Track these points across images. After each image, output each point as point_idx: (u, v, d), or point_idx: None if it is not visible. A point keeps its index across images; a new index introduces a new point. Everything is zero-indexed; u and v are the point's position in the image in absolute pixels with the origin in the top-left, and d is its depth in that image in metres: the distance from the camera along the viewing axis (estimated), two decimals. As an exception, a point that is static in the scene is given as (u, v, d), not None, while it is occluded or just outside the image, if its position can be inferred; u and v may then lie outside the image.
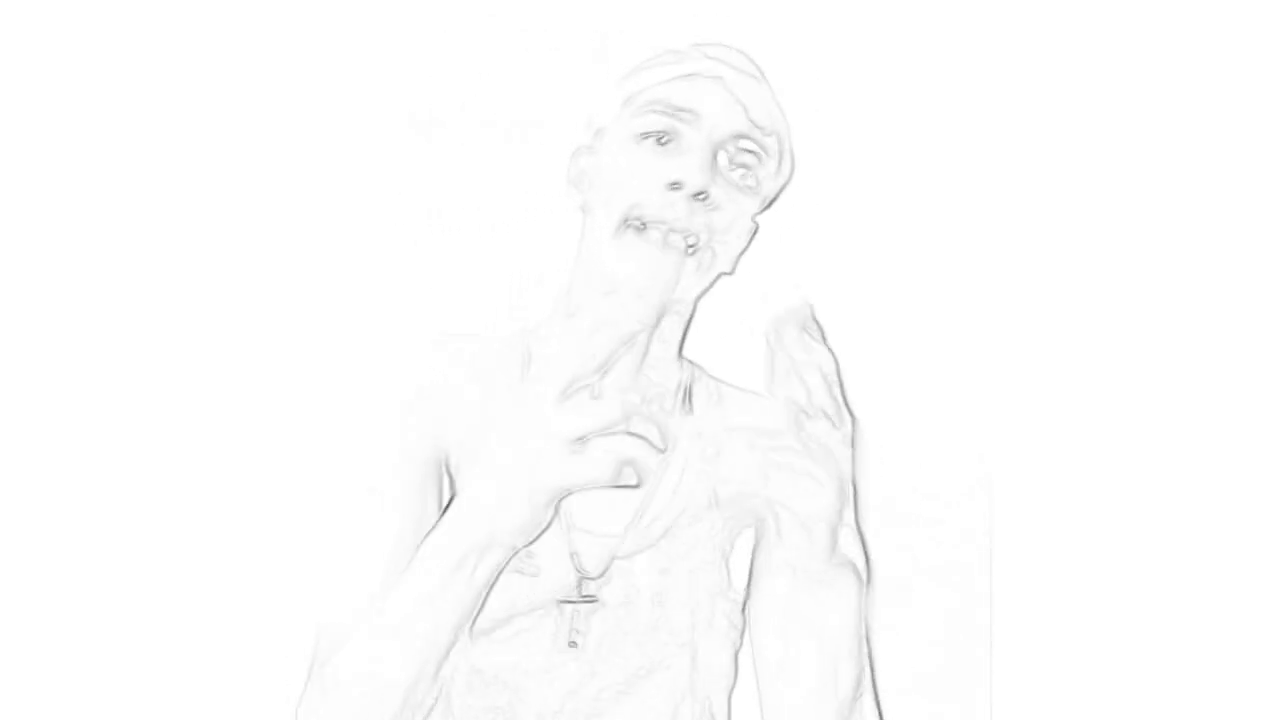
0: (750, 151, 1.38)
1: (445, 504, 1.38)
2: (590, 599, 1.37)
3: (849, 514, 1.40)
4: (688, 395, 1.43)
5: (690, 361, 1.45)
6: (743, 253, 1.42)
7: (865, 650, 1.41)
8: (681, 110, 1.37)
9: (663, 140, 1.37)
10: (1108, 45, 1.51)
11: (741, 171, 1.38)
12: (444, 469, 1.39)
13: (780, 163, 1.41)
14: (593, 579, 1.38)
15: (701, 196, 1.35)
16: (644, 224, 1.35)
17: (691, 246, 1.37)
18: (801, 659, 1.39)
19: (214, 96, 1.51)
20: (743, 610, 1.42)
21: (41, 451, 1.49)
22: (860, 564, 1.41)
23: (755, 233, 1.42)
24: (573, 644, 1.37)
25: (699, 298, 1.41)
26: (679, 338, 1.42)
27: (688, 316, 1.42)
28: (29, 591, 1.49)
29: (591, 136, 1.42)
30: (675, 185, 1.35)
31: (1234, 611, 1.48)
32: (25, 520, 1.49)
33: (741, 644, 1.42)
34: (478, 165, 1.49)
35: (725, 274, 1.41)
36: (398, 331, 1.48)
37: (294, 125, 1.51)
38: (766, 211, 1.43)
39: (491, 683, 1.37)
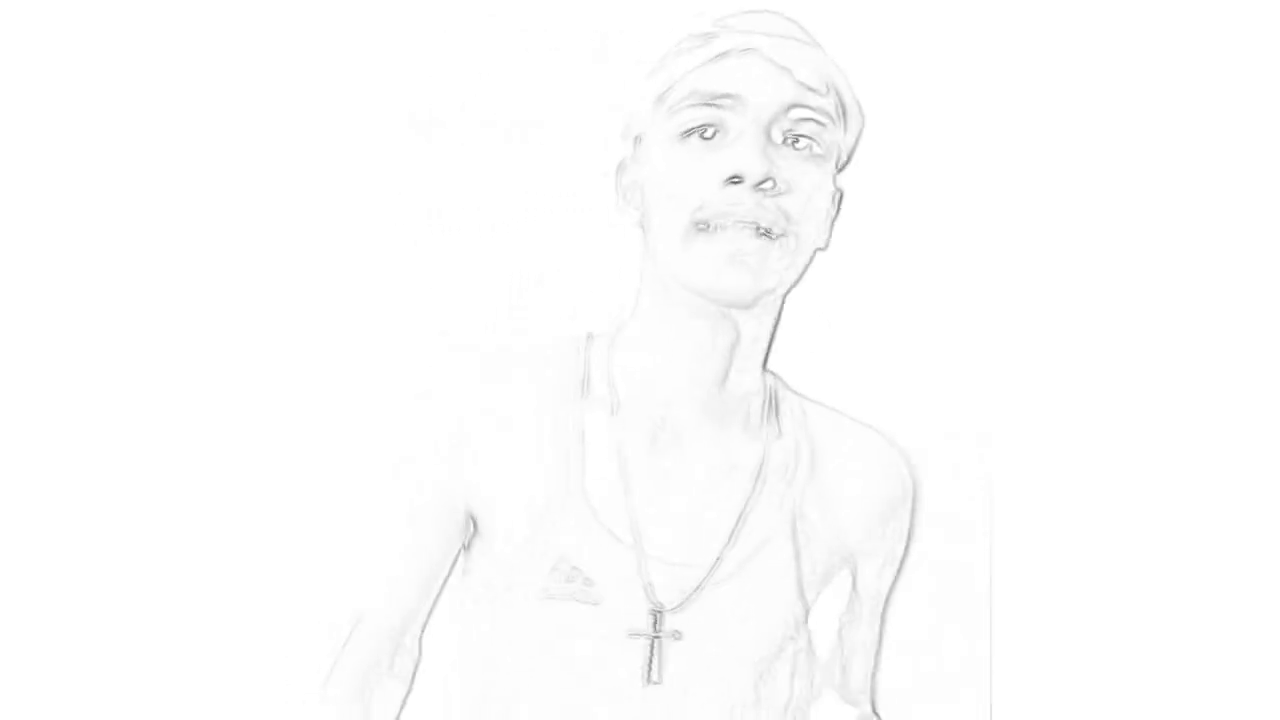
0: (809, 119, 1.26)
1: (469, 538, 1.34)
2: (676, 634, 1.28)
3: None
4: (774, 410, 1.34)
5: (773, 374, 1.36)
6: (834, 221, 1.31)
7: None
8: (720, 97, 1.24)
9: (707, 134, 1.25)
10: (1109, 42, 1.50)
11: (805, 142, 1.26)
12: (470, 504, 1.32)
13: (847, 120, 1.29)
14: (667, 611, 1.28)
15: (766, 184, 1.23)
16: (711, 226, 1.24)
17: (768, 234, 1.24)
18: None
19: (213, 96, 1.51)
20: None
21: (35, 460, 1.50)
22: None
23: (842, 198, 1.31)
24: (652, 681, 1.28)
25: (790, 289, 1.31)
26: (767, 340, 1.33)
27: (776, 315, 1.32)
28: (23, 602, 1.49)
29: (632, 145, 1.31)
30: (734, 179, 1.23)
31: (1234, 611, 1.48)
32: (18, 533, 1.49)
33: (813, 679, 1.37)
34: (478, 165, 1.48)
35: (821, 250, 1.31)
36: (439, 348, 1.41)
37: (294, 125, 1.51)
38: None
39: (559, 715, 1.30)
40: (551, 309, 1.43)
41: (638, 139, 1.30)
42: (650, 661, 1.27)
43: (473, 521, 1.33)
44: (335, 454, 1.45)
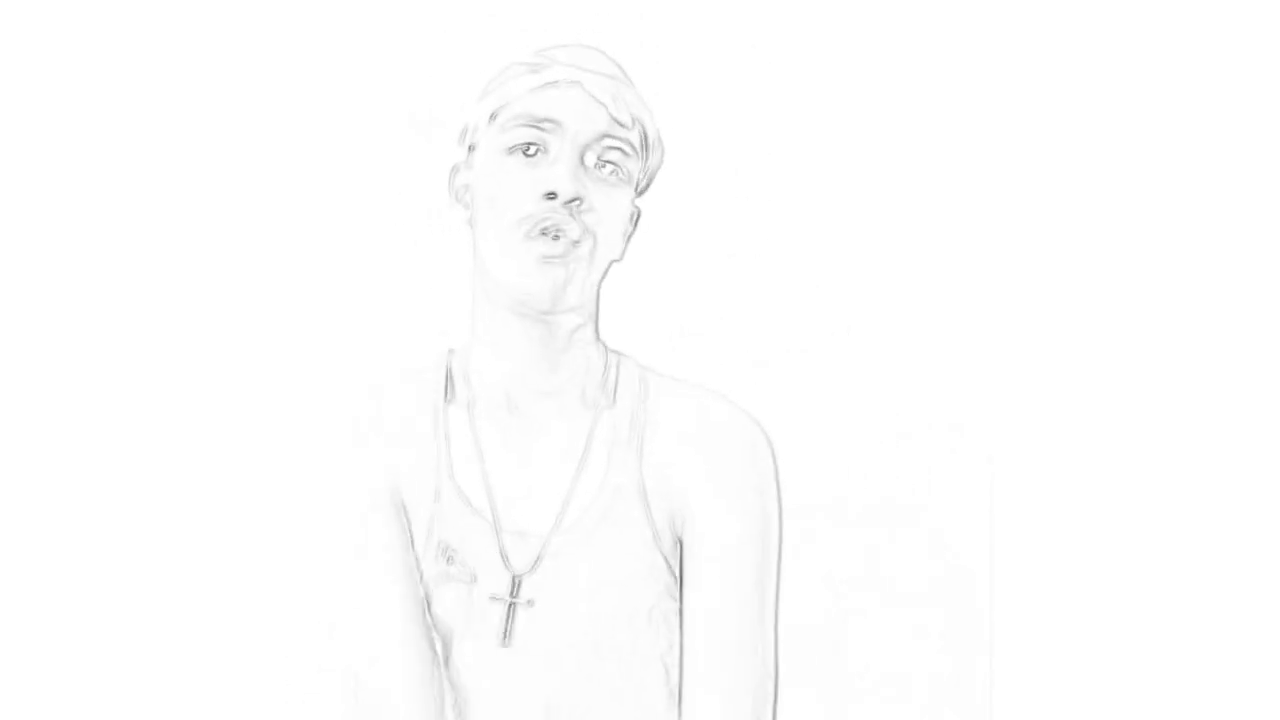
0: (616, 148, 1.42)
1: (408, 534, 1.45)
2: (517, 600, 1.42)
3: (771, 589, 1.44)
4: (614, 383, 1.47)
5: (614, 350, 1.48)
6: (630, 237, 1.47)
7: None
8: (544, 120, 1.41)
9: (530, 152, 1.41)
10: (1110, 40, 1.50)
11: (611, 168, 1.43)
12: (400, 499, 1.46)
13: (649, 153, 1.46)
14: (521, 575, 1.42)
15: (575, 202, 1.40)
16: (528, 233, 1.40)
17: (576, 243, 1.40)
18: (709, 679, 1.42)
19: (213, 97, 1.52)
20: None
21: (32, 462, 1.50)
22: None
23: (639, 217, 1.48)
24: (506, 644, 1.41)
25: (597, 287, 1.45)
26: (590, 326, 1.46)
27: (593, 307, 1.46)
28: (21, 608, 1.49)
29: (465, 152, 1.46)
30: (550, 195, 1.39)
31: (1234, 612, 1.48)
32: (17, 534, 1.50)
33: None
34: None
35: (615, 261, 1.46)
36: (326, 376, 1.53)
37: (294, 125, 1.51)
38: (642, 201, 1.48)
39: (444, 680, 1.43)
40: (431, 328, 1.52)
41: (471, 147, 1.46)
42: (506, 625, 1.42)
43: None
44: (310, 493, 1.48)
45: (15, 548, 1.50)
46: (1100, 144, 1.50)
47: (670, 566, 1.43)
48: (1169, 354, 1.49)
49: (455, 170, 1.48)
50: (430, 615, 1.43)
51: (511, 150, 1.42)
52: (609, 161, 1.43)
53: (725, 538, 1.43)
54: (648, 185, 1.48)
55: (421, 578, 1.44)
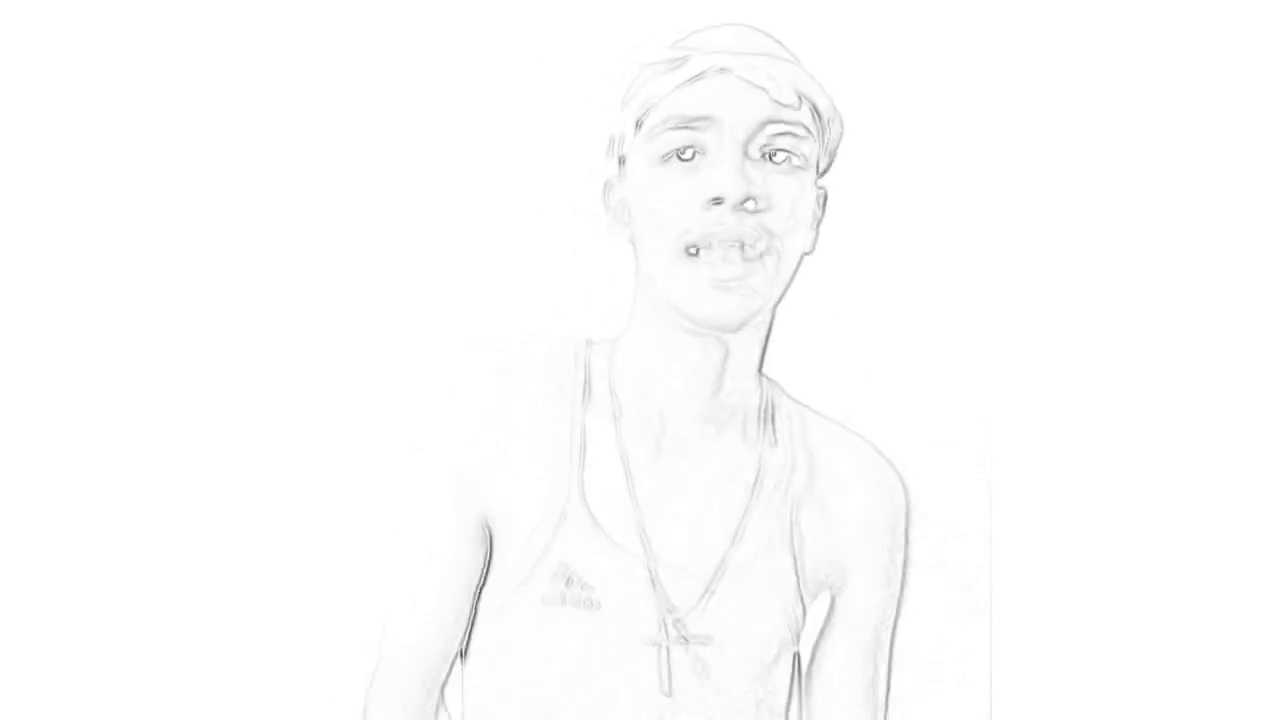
0: (785, 134, 1.27)
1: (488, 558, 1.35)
2: (703, 639, 1.30)
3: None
4: (770, 417, 1.36)
5: (770, 379, 1.38)
6: (820, 223, 1.33)
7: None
8: (697, 120, 1.27)
9: (686, 155, 1.27)
10: (1111, 40, 1.50)
11: (783, 155, 1.28)
12: (486, 524, 1.34)
13: (823, 127, 1.31)
14: (681, 618, 1.30)
15: (747, 204, 1.26)
16: (697, 249, 1.27)
17: (752, 253, 1.27)
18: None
19: (234, 99, 1.51)
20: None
21: (34, 463, 1.50)
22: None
23: (827, 199, 1.33)
24: (666, 691, 1.30)
25: (779, 299, 1.33)
26: (759, 350, 1.35)
27: (767, 325, 1.34)
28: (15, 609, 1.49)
29: (616, 165, 1.33)
30: (716, 201, 1.25)
31: (1234, 610, 1.48)
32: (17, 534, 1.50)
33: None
34: (486, 165, 1.47)
35: (808, 253, 1.33)
36: (448, 356, 1.42)
37: (306, 127, 1.51)
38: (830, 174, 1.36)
39: (522, 699, 1.32)
40: (545, 310, 1.44)
41: (621, 159, 1.32)
42: (664, 670, 1.29)
43: (489, 535, 1.34)
44: (349, 463, 1.45)
45: (51, 546, 1.50)
46: (1097, 137, 1.50)
47: (804, 616, 1.35)
48: (1169, 350, 1.49)
49: (609, 187, 1.34)
50: (500, 633, 1.32)
51: (665, 158, 1.27)
52: (779, 149, 1.27)
53: (873, 603, 1.37)
54: (830, 163, 1.33)
55: (502, 594, 1.31)
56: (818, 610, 1.39)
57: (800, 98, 1.28)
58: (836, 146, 1.34)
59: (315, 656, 1.45)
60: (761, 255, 1.28)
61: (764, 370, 1.37)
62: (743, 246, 1.27)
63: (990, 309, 1.49)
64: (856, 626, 1.37)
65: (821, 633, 1.37)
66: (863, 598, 1.37)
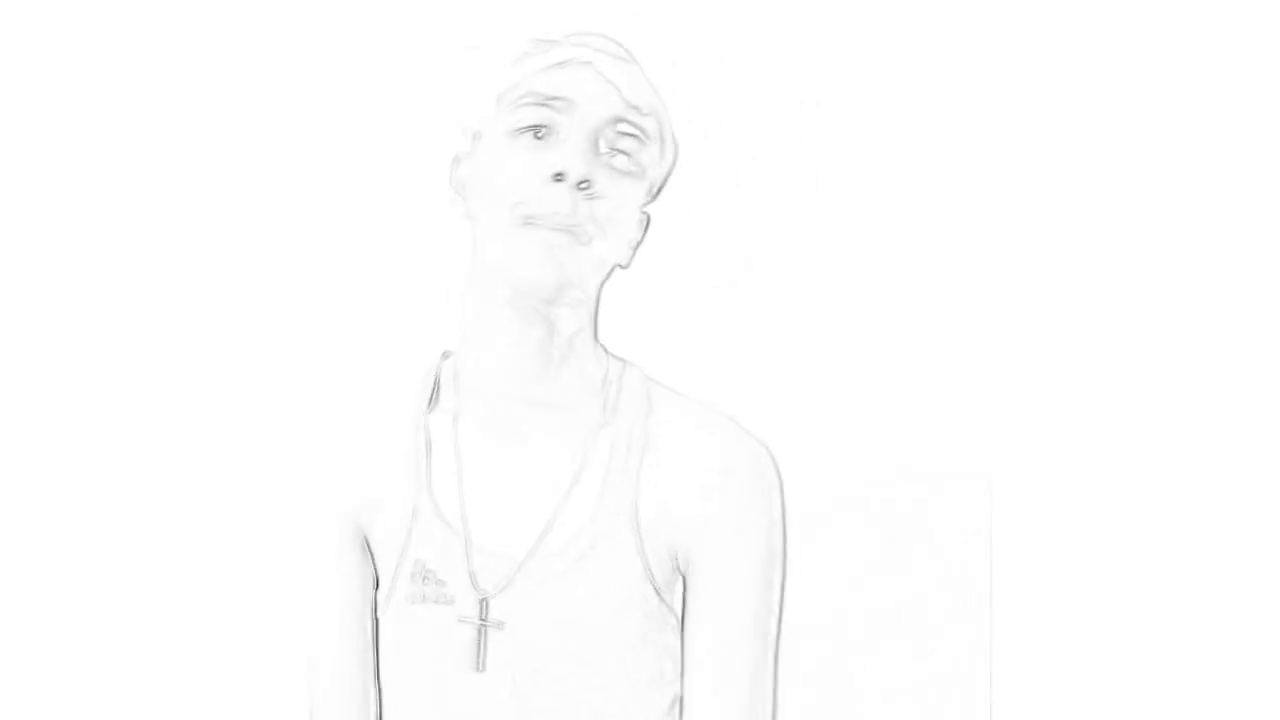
0: (630, 135, 1.35)
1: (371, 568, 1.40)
2: (487, 623, 1.34)
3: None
4: (615, 399, 1.38)
5: (619, 358, 1.41)
6: (639, 245, 1.39)
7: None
8: (555, 99, 1.33)
9: (539, 134, 1.34)
10: (1111, 42, 1.51)
11: (623, 158, 1.35)
12: (362, 530, 1.39)
13: (663, 146, 1.38)
14: (488, 597, 1.34)
15: (584, 185, 1.32)
16: (531, 219, 1.32)
17: (581, 236, 1.33)
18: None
19: (219, 99, 1.52)
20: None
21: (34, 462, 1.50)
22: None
23: (649, 224, 1.40)
24: (479, 669, 1.34)
25: (599, 289, 1.38)
26: (587, 334, 1.38)
27: (593, 309, 1.38)
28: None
29: (469, 141, 1.39)
30: (558, 177, 1.31)
31: (1234, 611, 1.48)
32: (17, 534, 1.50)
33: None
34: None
35: (622, 267, 1.39)
36: (312, 397, 1.49)
37: (292, 126, 1.51)
38: (656, 203, 1.41)
39: (410, 702, 1.37)
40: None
41: (476, 135, 1.38)
42: (478, 649, 1.34)
43: (368, 546, 1.40)
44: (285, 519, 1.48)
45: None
46: (1102, 149, 1.51)
47: (664, 599, 1.34)
48: (1169, 364, 1.50)
49: (457, 161, 1.40)
50: (388, 639, 1.37)
51: (519, 132, 1.34)
52: (620, 150, 1.35)
53: (730, 582, 1.34)
54: (660, 189, 1.40)
55: (384, 599, 1.36)
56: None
57: (650, 107, 1.36)
58: (668, 175, 1.40)
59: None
60: (585, 242, 1.33)
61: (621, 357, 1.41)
62: (569, 230, 1.32)
63: (990, 310, 1.49)
64: (717, 607, 1.35)
65: (683, 617, 1.36)
66: (718, 574, 1.35)
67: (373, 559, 1.38)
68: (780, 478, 1.37)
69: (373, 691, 1.39)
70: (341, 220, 1.52)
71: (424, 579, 1.35)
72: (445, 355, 1.41)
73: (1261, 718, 1.47)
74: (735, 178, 1.50)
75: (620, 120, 1.34)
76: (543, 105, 1.33)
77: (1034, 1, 1.50)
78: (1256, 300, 1.49)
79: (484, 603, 1.33)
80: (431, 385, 1.40)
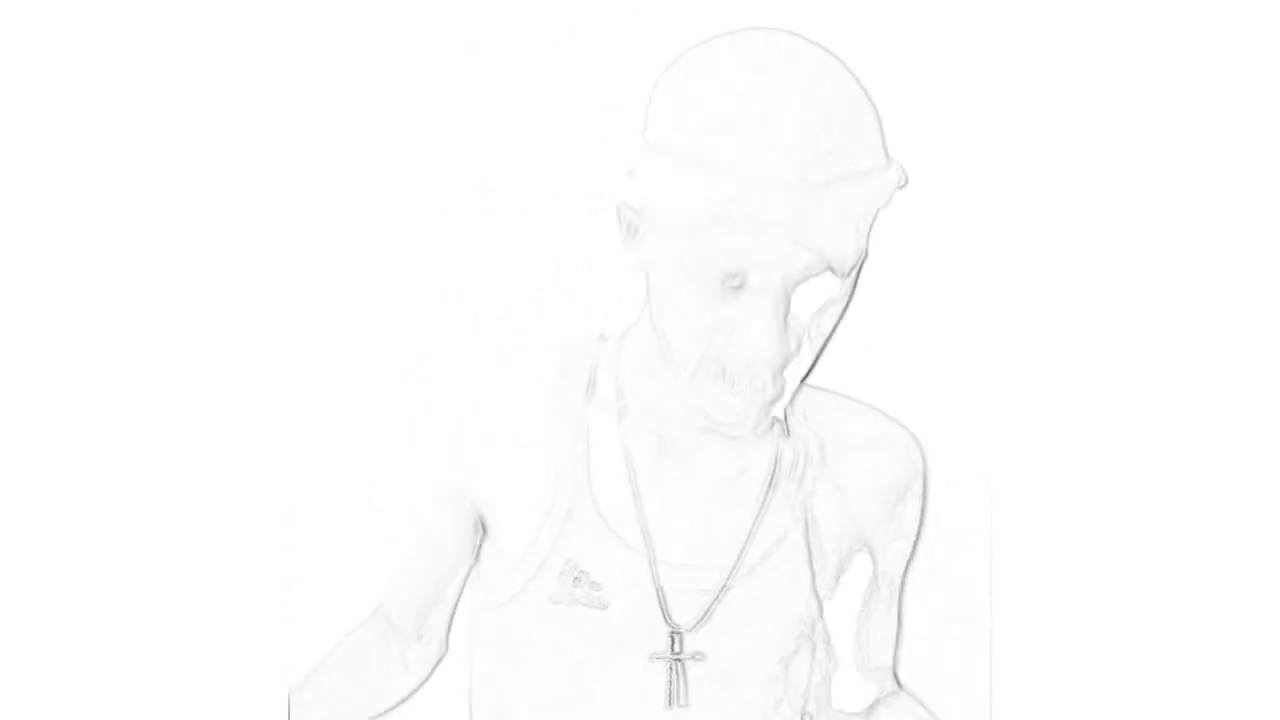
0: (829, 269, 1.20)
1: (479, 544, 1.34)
2: (699, 655, 1.27)
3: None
4: (784, 414, 1.29)
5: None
6: (859, 266, 1.25)
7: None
8: (741, 271, 1.17)
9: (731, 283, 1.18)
10: (1111, 45, 1.51)
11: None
12: (479, 514, 1.32)
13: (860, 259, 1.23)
14: (686, 632, 1.27)
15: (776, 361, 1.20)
16: (740, 283, 1.18)
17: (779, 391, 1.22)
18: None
19: (225, 96, 1.52)
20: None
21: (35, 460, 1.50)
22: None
23: (851, 295, 1.27)
24: (678, 703, 1.26)
25: (833, 329, 1.27)
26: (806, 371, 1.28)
27: (819, 348, 1.27)
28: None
29: (633, 213, 1.22)
30: (748, 363, 1.19)
31: (1234, 612, 1.48)
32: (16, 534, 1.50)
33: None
34: (503, 155, 1.47)
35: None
36: (449, 346, 1.40)
37: (319, 128, 1.52)
38: None
39: (533, 695, 1.30)
40: (571, 305, 1.41)
41: (640, 211, 1.24)
42: (672, 684, 1.26)
43: (482, 525, 1.32)
44: (351, 447, 1.45)
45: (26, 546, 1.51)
46: (1101, 151, 1.51)
47: (821, 609, 1.31)
48: (1167, 351, 1.50)
49: (624, 208, 1.23)
50: (513, 635, 1.29)
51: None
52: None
53: (891, 558, 1.35)
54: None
55: (504, 592, 1.29)
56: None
57: (858, 252, 1.20)
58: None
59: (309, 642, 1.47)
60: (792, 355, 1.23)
61: None
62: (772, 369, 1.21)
63: (990, 311, 1.49)
64: (879, 584, 1.36)
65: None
66: (886, 563, 1.36)
67: (482, 541, 1.32)
68: (925, 459, 1.36)
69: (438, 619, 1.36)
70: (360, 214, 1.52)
71: (575, 580, 1.27)
72: (601, 339, 1.31)
73: (1261, 717, 1.47)
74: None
75: (815, 269, 1.19)
76: (728, 274, 1.16)
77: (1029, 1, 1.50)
78: (1256, 299, 1.49)
79: (677, 636, 1.26)
80: (589, 375, 1.29)
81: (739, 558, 1.27)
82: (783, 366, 1.20)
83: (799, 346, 1.22)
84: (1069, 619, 1.48)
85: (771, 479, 1.29)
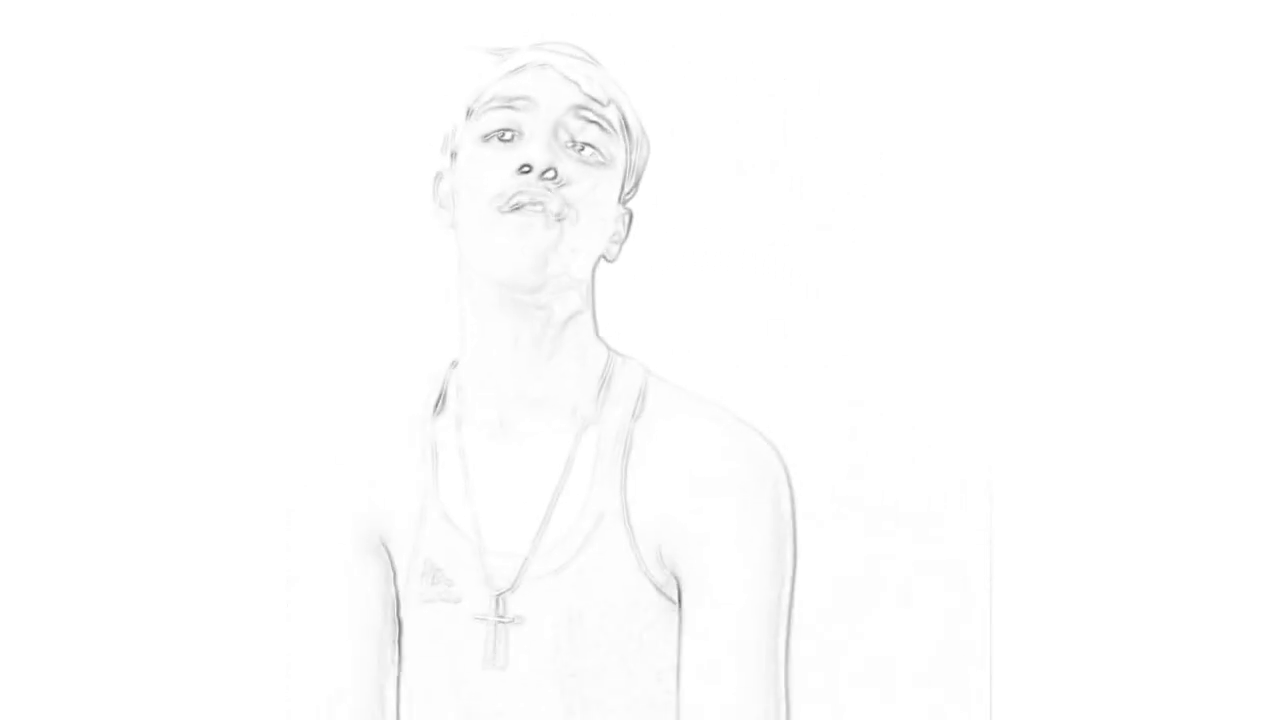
0: (593, 124, 1.41)
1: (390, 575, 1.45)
2: (503, 619, 1.39)
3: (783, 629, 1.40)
4: (606, 387, 1.43)
5: (620, 354, 1.45)
6: (624, 241, 1.46)
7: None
8: (516, 99, 1.40)
9: (505, 136, 1.40)
10: (1111, 44, 1.51)
11: (590, 150, 1.41)
12: (380, 538, 1.45)
13: (629, 137, 1.45)
14: (502, 594, 1.39)
15: (549, 174, 1.38)
16: (505, 209, 1.38)
17: (558, 218, 1.38)
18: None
19: (221, 101, 1.52)
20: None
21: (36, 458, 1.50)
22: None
23: (632, 219, 1.46)
24: (496, 665, 1.39)
25: (589, 279, 1.43)
26: (586, 322, 1.43)
27: (588, 298, 1.43)
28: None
29: (448, 159, 1.46)
30: (524, 169, 1.38)
31: (1234, 612, 1.48)
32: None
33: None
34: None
35: (608, 260, 1.44)
36: (322, 404, 1.51)
37: (298, 130, 1.52)
38: (636, 198, 1.47)
39: (428, 701, 1.42)
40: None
41: (453, 153, 1.45)
42: (493, 646, 1.39)
43: (385, 549, 1.46)
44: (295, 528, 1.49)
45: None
46: (1101, 150, 1.51)
47: (664, 594, 1.38)
48: (1166, 351, 1.50)
49: (439, 177, 1.47)
50: (406, 638, 1.43)
51: (487, 138, 1.40)
52: (586, 143, 1.41)
53: (725, 586, 1.36)
54: (636, 185, 1.46)
55: (401, 602, 1.42)
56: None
57: (609, 98, 1.42)
58: (642, 169, 1.46)
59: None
60: (560, 220, 1.38)
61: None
62: (544, 210, 1.37)
63: (989, 309, 1.49)
64: (718, 609, 1.36)
65: (680, 620, 1.38)
66: (717, 575, 1.36)
67: (391, 561, 1.44)
68: (786, 472, 1.39)
69: (390, 692, 1.44)
70: (339, 224, 1.53)
71: (433, 579, 1.41)
72: (453, 364, 1.46)
73: (1261, 715, 1.47)
74: (734, 176, 1.51)
75: (581, 110, 1.41)
76: (506, 108, 1.40)
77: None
78: (1254, 296, 1.49)
79: (499, 599, 1.39)
80: (438, 393, 1.45)
81: (538, 537, 1.39)
82: (552, 176, 1.38)
83: (567, 216, 1.39)
84: (1069, 619, 1.48)
85: (570, 460, 1.41)
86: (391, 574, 1.44)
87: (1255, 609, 1.48)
